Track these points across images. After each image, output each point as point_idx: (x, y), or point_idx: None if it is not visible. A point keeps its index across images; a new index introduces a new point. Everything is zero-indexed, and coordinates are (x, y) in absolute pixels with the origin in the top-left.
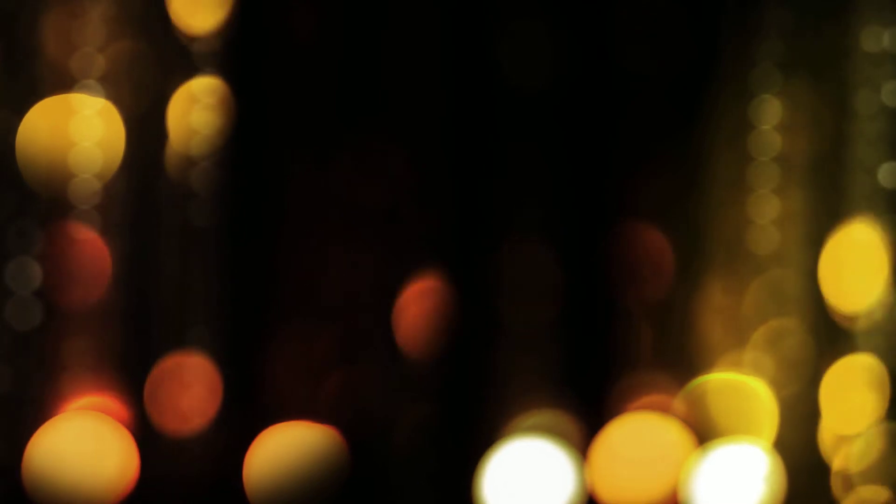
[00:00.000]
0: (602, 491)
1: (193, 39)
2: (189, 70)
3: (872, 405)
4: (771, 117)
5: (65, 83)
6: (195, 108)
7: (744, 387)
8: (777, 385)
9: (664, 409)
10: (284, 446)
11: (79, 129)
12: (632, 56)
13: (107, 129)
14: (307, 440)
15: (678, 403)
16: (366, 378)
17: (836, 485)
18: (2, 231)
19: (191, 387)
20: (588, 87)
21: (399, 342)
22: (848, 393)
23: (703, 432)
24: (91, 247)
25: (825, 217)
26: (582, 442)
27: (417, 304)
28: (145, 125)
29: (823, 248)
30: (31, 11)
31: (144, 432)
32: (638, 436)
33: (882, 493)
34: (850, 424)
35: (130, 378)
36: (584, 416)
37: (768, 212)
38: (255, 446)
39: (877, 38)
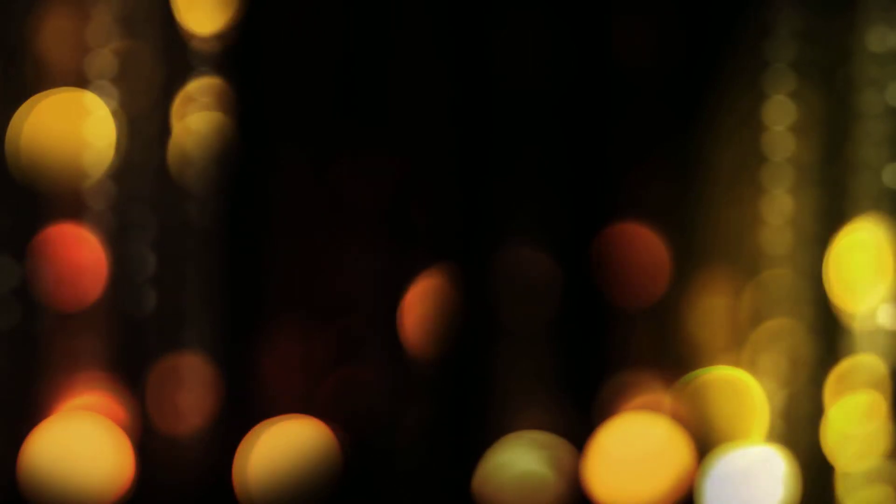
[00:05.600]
0: (599, 490)
1: (196, 39)
2: (191, 70)
3: (875, 405)
4: (772, 117)
5: (65, 82)
6: (196, 108)
7: (742, 386)
8: (777, 385)
9: (662, 409)
10: (280, 444)
11: (78, 127)
12: (631, 56)
13: (106, 128)
14: (304, 437)
15: (676, 403)
16: (366, 378)
17: (838, 485)
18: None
19: (189, 387)
20: (587, 87)
21: (399, 342)
22: (850, 393)
23: (701, 432)
24: (88, 246)
25: (827, 217)
26: (579, 441)
27: (417, 304)
28: (145, 124)
29: (826, 248)
30: (32, 10)
31: (143, 432)
32: (635, 436)
33: (884, 493)
34: (853, 424)
35: (128, 378)
36: (582, 415)
37: (769, 212)
38: (251, 444)
39: (882, 39)
